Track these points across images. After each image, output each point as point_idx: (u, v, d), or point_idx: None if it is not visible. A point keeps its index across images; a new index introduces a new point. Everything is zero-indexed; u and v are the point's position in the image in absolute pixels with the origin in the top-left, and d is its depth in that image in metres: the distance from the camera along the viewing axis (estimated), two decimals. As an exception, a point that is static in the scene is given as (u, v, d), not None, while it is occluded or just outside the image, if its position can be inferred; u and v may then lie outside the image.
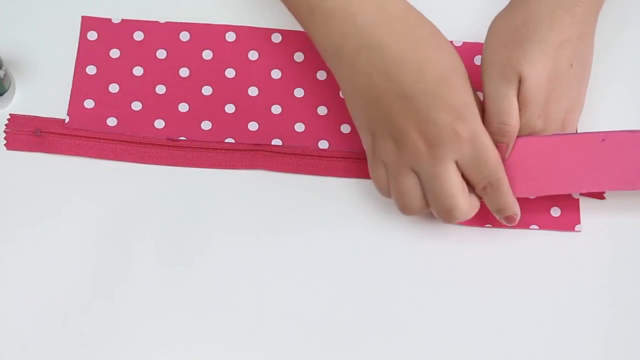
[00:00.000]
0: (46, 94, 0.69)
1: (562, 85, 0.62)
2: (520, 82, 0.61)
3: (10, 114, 0.68)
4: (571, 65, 0.62)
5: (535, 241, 0.68)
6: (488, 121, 0.62)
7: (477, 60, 0.70)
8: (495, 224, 0.68)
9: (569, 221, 0.68)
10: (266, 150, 0.69)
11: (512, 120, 0.62)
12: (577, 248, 0.68)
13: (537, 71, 0.61)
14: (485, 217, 0.67)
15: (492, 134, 0.62)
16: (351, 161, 0.69)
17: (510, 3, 0.64)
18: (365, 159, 0.67)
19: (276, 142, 0.69)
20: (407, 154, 0.61)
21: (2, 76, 0.66)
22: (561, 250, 0.68)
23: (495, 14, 0.66)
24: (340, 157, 0.69)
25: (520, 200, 0.67)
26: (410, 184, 0.62)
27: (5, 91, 0.67)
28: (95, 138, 0.68)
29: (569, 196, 0.68)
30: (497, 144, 0.62)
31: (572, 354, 0.66)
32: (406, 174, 0.62)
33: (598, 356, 0.65)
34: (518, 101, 0.62)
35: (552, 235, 0.68)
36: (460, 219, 0.63)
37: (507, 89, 0.61)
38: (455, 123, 0.59)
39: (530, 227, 0.68)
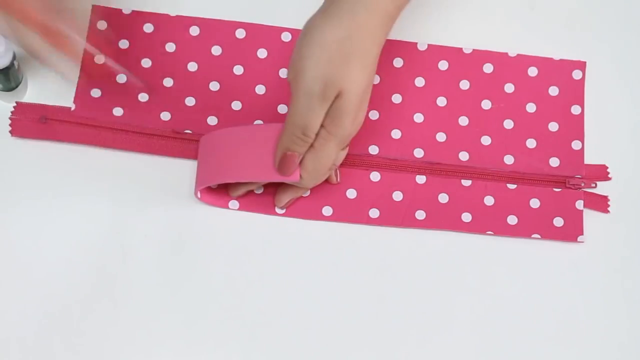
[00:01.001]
0: (55, 86, 0.68)
1: (368, 95, 0.63)
2: (338, 95, 0.61)
3: (16, 102, 0.68)
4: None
5: (536, 250, 0.68)
6: (288, 130, 0.62)
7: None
8: (497, 231, 0.68)
9: (572, 232, 0.68)
10: None
11: (313, 134, 0.62)
12: (578, 258, 0.68)
13: (357, 85, 0.61)
14: (486, 225, 0.68)
15: (287, 141, 0.62)
16: (351, 164, 0.68)
17: (332, 9, 0.61)
18: (365, 161, 0.68)
19: None
20: None
21: (16, 66, 0.66)
22: (563, 259, 0.68)
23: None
24: (343, 161, 0.67)
25: (523, 209, 0.68)
26: None
27: (20, 83, 0.67)
28: (101, 127, 0.68)
29: (573, 207, 0.68)
30: (290, 153, 0.62)
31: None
32: None
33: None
34: (336, 110, 0.61)
35: (554, 245, 0.68)
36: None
37: (321, 107, 0.61)
38: None
39: (533, 236, 0.67)
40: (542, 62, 0.71)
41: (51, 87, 0.68)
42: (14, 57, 0.65)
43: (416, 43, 0.71)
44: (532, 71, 0.70)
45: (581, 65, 0.71)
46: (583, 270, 0.67)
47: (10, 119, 0.68)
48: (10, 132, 0.67)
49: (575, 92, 0.70)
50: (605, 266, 0.68)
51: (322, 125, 0.61)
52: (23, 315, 0.64)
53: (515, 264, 0.67)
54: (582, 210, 0.68)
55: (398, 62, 0.70)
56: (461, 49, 0.71)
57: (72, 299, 0.65)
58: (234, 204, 0.68)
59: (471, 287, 0.67)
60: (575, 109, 0.70)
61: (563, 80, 0.70)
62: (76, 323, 0.65)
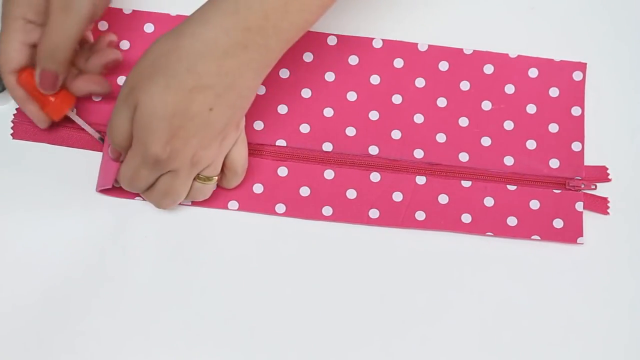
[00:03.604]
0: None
1: (194, 126, 0.60)
2: (136, 106, 0.60)
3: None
4: (211, 110, 0.60)
5: (536, 252, 0.68)
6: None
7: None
8: (496, 232, 0.68)
9: (572, 233, 0.68)
10: (270, 152, 0.69)
11: (117, 138, 0.61)
12: (578, 260, 0.68)
13: (154, 102, 0.59)
14: (485, 226, 0.68)
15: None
16: (351, 164, 0.69)
17: (184, 21, 0.60)
18: (365, 162, 0.68)
19: (280, 142, 0.69)
20: None
21: None
22: (562, 260, 0.68)
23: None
24: (343, 161, 0.69)
25: (523, 211, 0.68)
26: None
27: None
28: (102, 132, 0.68)
29: (573, 209, 0.68)
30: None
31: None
32: None
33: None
34: (135, 121, 0.60)
35: (554, 247, 0.68)
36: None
37: (123, 110, 0.60)
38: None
39: (532, 237, 0.68)
40: (543, 63, 0.71)
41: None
42: None
43: (417, 44, 0.71)
44: (533, 72, 0.70)
45: (582, 67, 0.71)
46: (583, 272, 0.67)
47: (12, 122, 0.68)
48: (11, 134, 0.68)
49: (575, 93, 0.70)
50: (605, 268, 0.68)
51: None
52: (23, 315, 0.65)
53: (515, 266, 0.67)
54: (581, 212, 0.68)
55: (398, 63, 0.70)
56: (462, 49, 0.71)
57: (72, 299, 0.65)
58: (233, 204, 0.68)
59: (471, 289, 0.67)
60: (576, 110, 0.70)
61: (563, 82, 0.70)
62: (76, 323, 0.65)
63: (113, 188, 0.66)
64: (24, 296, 0.65)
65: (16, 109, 0.68)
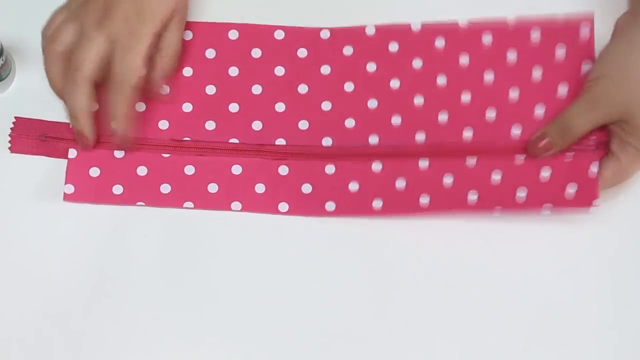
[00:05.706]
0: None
1: None
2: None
3: (15, 117, 0.70)
4: None
5: (538, 236, 0.64)
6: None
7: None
8: (506, 206, 0.63)
9: (587, 197, 0.62)
10: (270, 151, 0.68)
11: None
12: (579, 244, 0.64)
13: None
14: (493, 202, 0.63)
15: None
16: (352, 155, 0.66)
17: None
18: (366, 152, 0.66)
19: (280, 141, 0.68)
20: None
21: (0, 64, 0.69)
22: (563, 246, 0.64)
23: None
24: (343, 154, 0.66)
25: (533, 180, 0.63)
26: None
27: (2, 79, 0.70)
28: (99, 142, 0.69)
29: (587, 171, 0.62)
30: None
31: (573, 353, 0.63)
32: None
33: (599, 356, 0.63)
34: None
35: (555, 232, 0.64)
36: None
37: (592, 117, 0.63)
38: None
39: (544, 206, 0.62)
40: (545, 23, 0.65)
41: (42, 79, 0.68)
42: (1, 52, 0.68)
43: (409, 24, 0.68)
44: (535, 35, 0.65)
45: (588, 20, 0.65)
46: (584, 256, 0.64)
47: (10, 135, 0.70)
48: (9, 148, 0.70)
49: (584, 50, 0.64)
50: (606, 249, 0.64)
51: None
52: (23, 316, 0.65)
53: (523, 248, 0.64)
54: (596, 172, 0.62)
55: (393, 47, 0.68)
56: (456, 23, 0.67)
57: (73, 299, 0.65)
58: (236, 205, 0.67)
59: (474, 277, 0.64)
60: (586, 69, 0.64)
61: (570, 39, 0.65)
62: (76, 323, 0.65)
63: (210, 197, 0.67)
64: (24, 297, 0.66)
65: (13, 123, 0.70)
